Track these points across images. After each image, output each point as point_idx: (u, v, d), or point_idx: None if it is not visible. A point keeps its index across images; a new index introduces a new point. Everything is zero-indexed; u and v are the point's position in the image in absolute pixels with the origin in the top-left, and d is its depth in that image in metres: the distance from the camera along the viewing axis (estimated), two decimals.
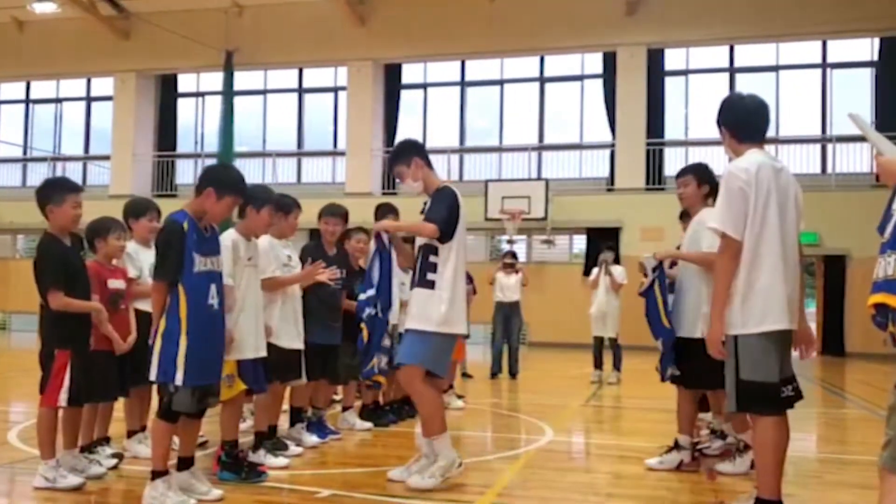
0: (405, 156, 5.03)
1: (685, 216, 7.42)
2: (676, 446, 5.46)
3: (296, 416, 6.13)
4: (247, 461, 4.92)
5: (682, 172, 5.63)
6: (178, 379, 4.16)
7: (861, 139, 19.23)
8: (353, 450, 6.00)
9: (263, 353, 5.02)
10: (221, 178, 4.44)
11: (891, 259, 2.56)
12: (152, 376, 4.24)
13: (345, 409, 6.95)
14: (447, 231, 4.81)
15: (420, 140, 5.29)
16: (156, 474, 4.21)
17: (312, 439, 6.03)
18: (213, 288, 4.31)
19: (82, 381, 4.57)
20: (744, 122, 4.11)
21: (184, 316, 4.18)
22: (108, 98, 23.84)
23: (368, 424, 6.86)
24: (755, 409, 3.94)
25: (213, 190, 4.31)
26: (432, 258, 4.82)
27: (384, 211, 6.76)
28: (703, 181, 5.49)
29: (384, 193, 20.79)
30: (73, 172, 24.27)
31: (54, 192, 4.61)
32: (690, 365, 5.24)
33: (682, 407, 5.49)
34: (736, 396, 3.93)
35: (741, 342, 3.89)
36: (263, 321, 5.14)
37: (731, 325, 3.91)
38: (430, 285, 4.80)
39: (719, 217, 3.91)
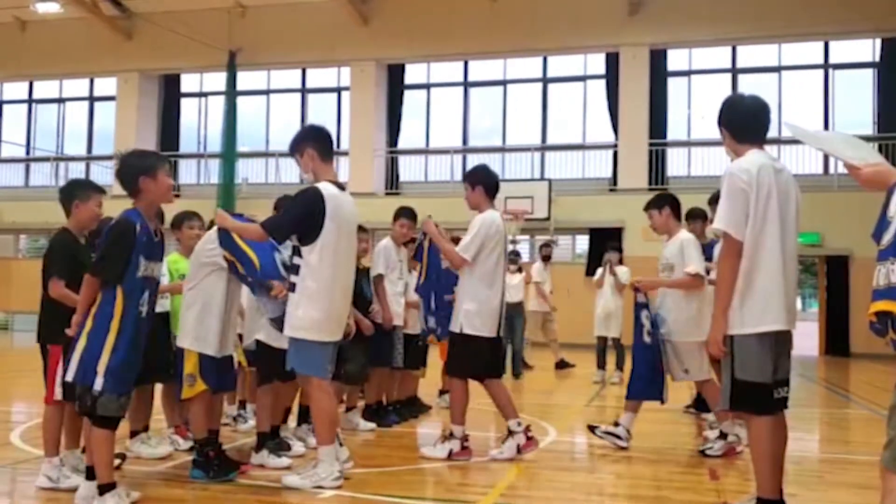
0: (298, 145, 4.98)
1: (690, 217, 7.50)
2: (450, 436, 5.75)
3: (304, 415, 6.13)
4: (216, 459, 4.89)
5: (465, 178, 5.98)
6: (98, 384, 3.97)
7: (864, 139, 19.30)
8: (356, 450, 5.99)
9: (228, 353, 5.03)
10: (143, 163, 4.29)
11: (894, 266, 2.56)
12: (69, 376, 4.06)
13: (348, 409, 6.94)
14: (280, 234, 4.78)
15: (323, 129, 5.10)
16: (104, 488, 4.05)
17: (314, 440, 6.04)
18: (146, 294, 4.18)
19: None
20: (743, 122, 4.11)
21: (116, 320, 4.03)
22: (111, 98, 23.87)
23: (372, 425, 6.86)
24: (748, 409, 3.95)
25: (146, 177, 4.21)
26: (296, 260, 4.75)
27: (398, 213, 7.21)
28: (476, 183, 5.84)
29: (387, 193, 20.82)
30: (76, 172, 24.30)
31: (83, 188, 4.78)
32: (452, 356, 5.78)
33: (453, 397, 5.88)
34: (730, 395, 3.95)
35: (737, 342, 3.89)
36: (235, 324, 5.14)
37: (729, 324, 3.92)
38: (292, 288, 4.72)
39: (721, 217, 3.92)
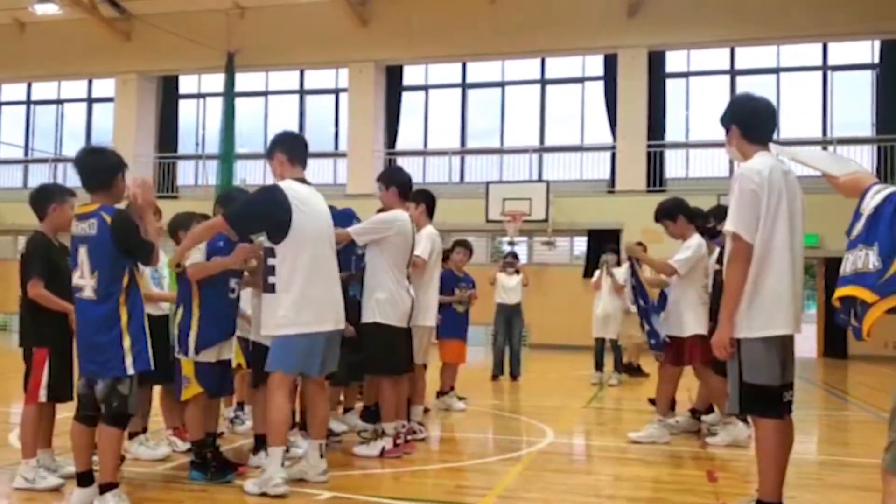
0: (271, 151, 5.00)
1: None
2: (383, 433, 5.73)
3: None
4: (214, 461, 4.91)
5: (379, 179, 6.10)
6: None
7: (861, 142, 19.34)
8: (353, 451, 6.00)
9: (227, 357, 5.07)
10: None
11: (861, 253, 2.59)
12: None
13: (346, 410, 6.94)
14: (242, 226, 4.80)
15: (292, 134, 5.17)
16: (107, 487, 4.09)
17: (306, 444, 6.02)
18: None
19: (61, 378, 4.64)
20: (756, 122, 4.07)
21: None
22: (110, 99, 23.84)
23: (368, 426, 6.84)
24: (757, 412, 3.94)
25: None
26: (270, 261, 4.73)
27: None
28: (389, 183, 5.95)
29: None
30: (74, 174, 24.24)
31: (58, 192, 4.90)
32: (369, 351, 5.73)
33: (382, 396, 5.86)
34: (738, 399, 3.93)
35: (745, 345, 3.88)
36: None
37: (735, 328, 3.91)
38: (272, 289, 4.71)
39: (732, 219, 3.88)
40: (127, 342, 4.13)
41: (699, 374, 6.69)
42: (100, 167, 4.31)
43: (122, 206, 4.31)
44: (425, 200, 6.55)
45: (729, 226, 3.90)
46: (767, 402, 3.87)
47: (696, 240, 6.58)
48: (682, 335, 6.42)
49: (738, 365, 3.91)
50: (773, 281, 3.85)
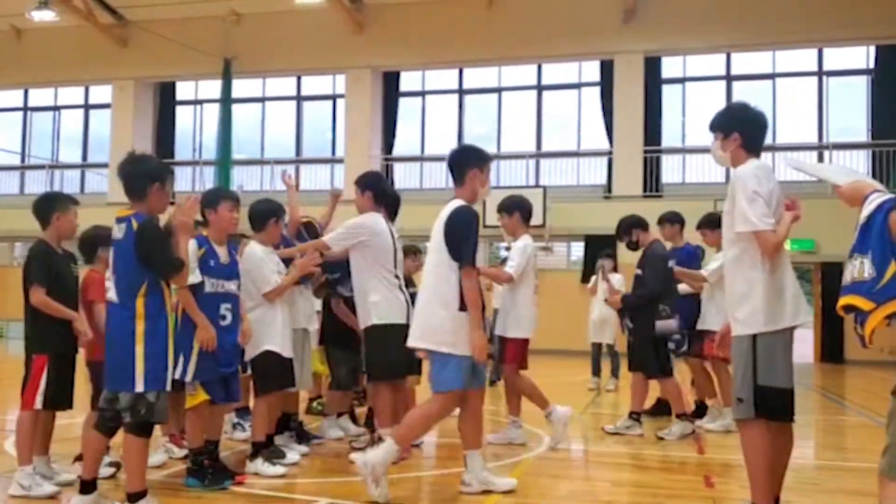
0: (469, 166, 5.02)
1: (662, 221, 7.78)
2: (380, 440, 5.64)
3: (284, 423, 6.12)
4: (211, 467, 4.91)
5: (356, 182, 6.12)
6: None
7: (857, 147, 19.38)
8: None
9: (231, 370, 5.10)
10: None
11: (857, 262, 2.64)
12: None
13: (339, 415, 6.90)
14: None
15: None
16: (137, 496, 4.13)
17: (302, 449, 6.01)
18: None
19: (60, 386, 4.65)
20: (758, 133, 4.10)
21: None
22: (107, 106, 23.83)
23: (361, 430, 6.80)
24: (772, 416, 3.88)
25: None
26: None
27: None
28: (365, 188, 6.00)
29: None
30: (71, 180, 24.30)
31: (61, 201, 4.92)
32: (369, 357, 5.77)
33: (377, 401, 5.86)
34: (753, 403, 3.85)
35: (762, 341, 3.84)
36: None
37: (751, 324, 3.87)
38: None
39: (749, 218, 3.82)
40: (140, 357, 4.04)
41: (509, 378, 6.78)
42: (132, 175, 4.26)
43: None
44: (385, 203, 6.33)
45: (748, 226, 3.83)
46: (783, 405, 3.87)
47: (523, 241, 6.65)
48: (506, 335, 6.54)
49: (752, 367, 3.85)
50: (785, 275, 3.90)
